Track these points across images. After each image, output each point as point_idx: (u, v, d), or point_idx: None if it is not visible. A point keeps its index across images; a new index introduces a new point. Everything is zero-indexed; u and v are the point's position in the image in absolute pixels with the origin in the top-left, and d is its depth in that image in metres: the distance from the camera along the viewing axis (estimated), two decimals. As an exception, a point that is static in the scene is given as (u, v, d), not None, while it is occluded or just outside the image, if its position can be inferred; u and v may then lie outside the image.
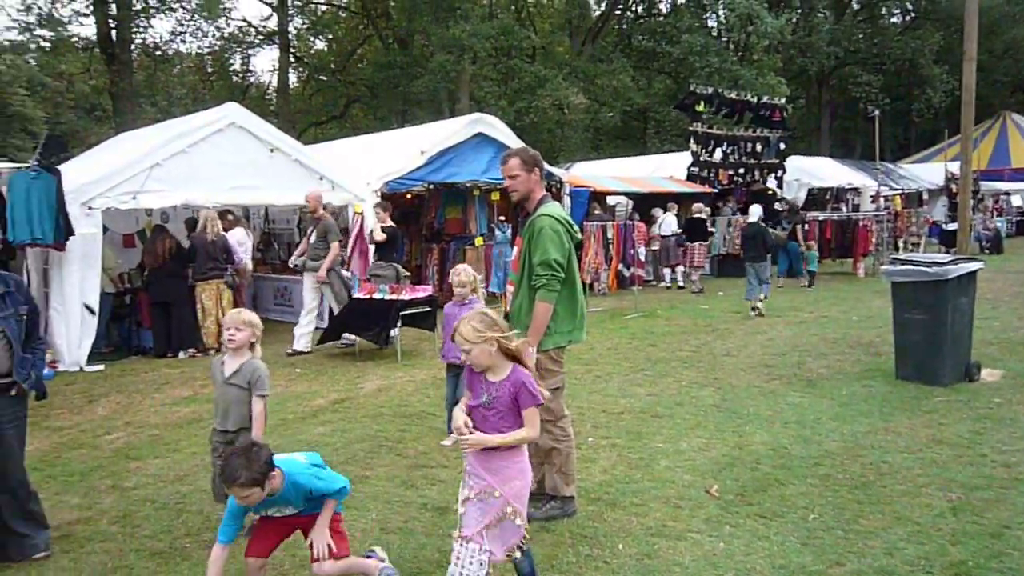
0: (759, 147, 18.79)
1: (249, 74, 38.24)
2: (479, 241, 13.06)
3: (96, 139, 20.94)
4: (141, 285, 9.88)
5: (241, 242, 10.36)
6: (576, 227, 4.42)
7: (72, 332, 8.76)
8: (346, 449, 5.73)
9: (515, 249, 4.62)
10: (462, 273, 5.54)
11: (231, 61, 36.48)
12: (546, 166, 9.62)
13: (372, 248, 10.32)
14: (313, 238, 9.58)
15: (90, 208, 8.81)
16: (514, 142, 12.61)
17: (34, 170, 8.31)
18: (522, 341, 3.33)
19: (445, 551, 3.73)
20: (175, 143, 9.57)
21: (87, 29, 27.63)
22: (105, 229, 9.38)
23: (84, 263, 8.78)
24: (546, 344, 4.25)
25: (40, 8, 25.00)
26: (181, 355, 9.43)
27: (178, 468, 5.42)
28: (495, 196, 13.15)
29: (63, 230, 8.38)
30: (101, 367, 8.80)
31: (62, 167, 8.89)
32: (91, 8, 25.30)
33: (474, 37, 24.68)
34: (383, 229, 9.84)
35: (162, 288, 9.37)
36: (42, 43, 26.30)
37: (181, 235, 10.03)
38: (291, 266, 10.49)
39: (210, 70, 36.41)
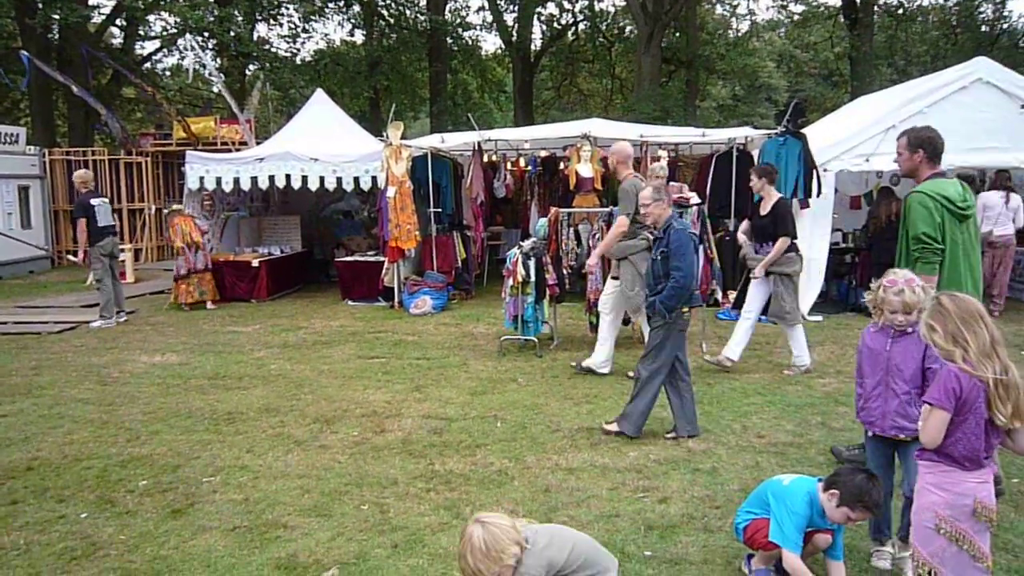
0: None
1: (1001, 22, 34.20)
2: None
3: (831, 104, 22.05)
4: (864, 245, 10.21)
5: (989, 207, 9.62)
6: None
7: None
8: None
9: None
10: (906, 289, 3.28)
11: (981, 10, 33.21)
12: None
13: None
14: None
15: (825, 170, 9.48)
16: None
17: (780, 135, 9.35)
18: None
19: None
20: (912, 104, 9.46)
21: (834, -2, 28.84)
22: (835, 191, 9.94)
23: (814, 221, 9.56)
24: None
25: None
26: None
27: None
28: None
29: (809, 189, 9.21)
30: (819, 318, 9.49)
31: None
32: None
33: None
34: None
35: (883, 250, 9.48)
36: (793, 17, 28.65)
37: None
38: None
39: (954, 23, 33.84)
